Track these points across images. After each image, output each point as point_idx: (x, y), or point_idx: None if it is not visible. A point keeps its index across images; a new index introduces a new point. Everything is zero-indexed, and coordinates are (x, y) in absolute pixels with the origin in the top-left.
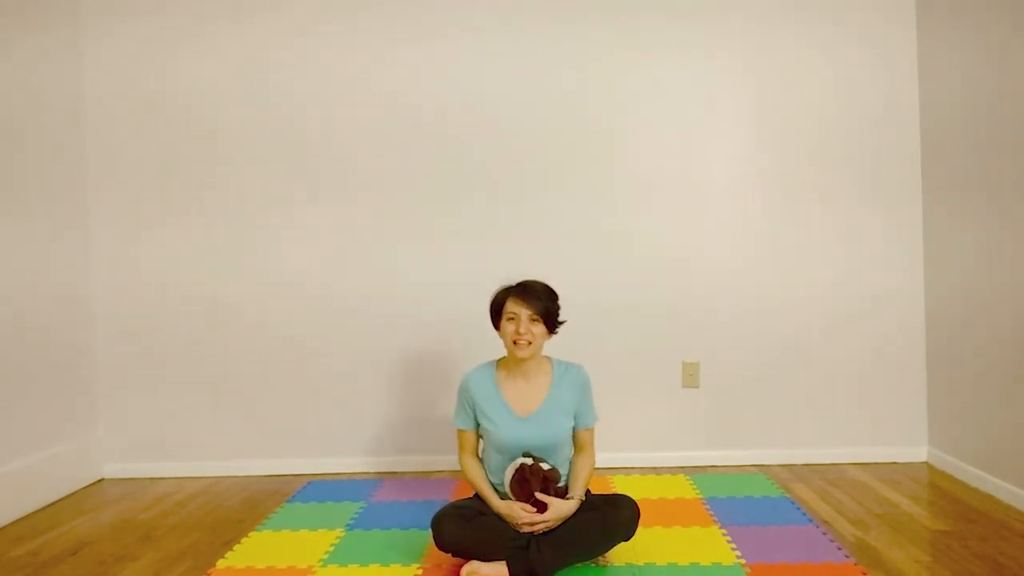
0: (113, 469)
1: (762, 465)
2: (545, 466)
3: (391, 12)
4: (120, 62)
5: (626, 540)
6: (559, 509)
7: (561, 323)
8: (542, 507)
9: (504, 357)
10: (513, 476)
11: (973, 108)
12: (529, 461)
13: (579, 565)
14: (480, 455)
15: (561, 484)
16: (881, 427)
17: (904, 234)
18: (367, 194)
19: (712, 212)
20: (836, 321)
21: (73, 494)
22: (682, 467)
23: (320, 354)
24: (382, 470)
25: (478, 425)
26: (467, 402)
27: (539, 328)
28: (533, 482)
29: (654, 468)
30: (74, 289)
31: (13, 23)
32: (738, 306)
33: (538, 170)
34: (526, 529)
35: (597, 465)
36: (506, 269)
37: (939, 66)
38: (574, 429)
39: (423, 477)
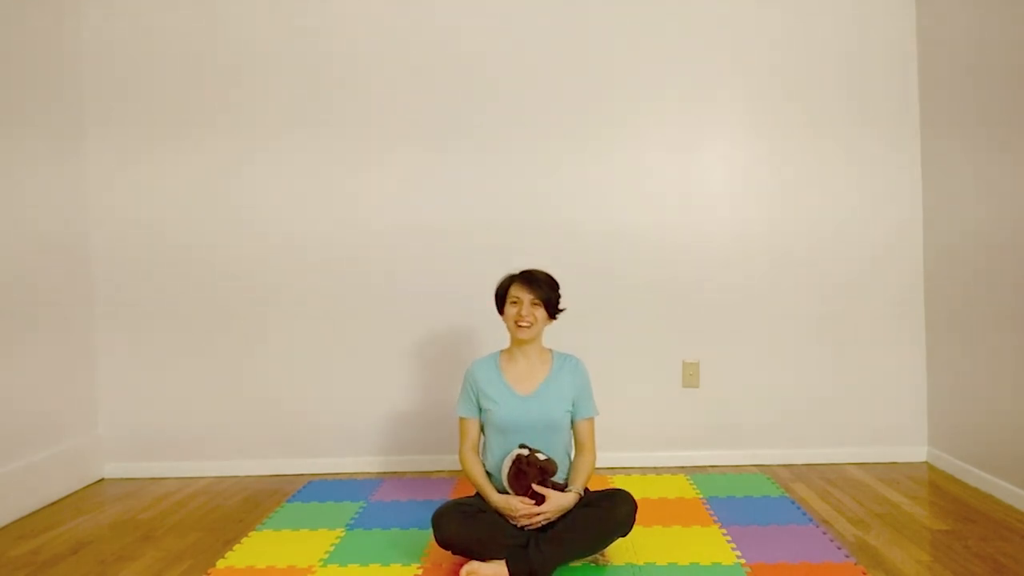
0: (113, 469)
1: (762, 465)
2: (541, 456)
3: None
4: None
5: (624, 535)
6: (558, 501)
7: (561, 311)
8: (540, 499)
9: (507, 348)
10: (510, 469)
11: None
12: (525, 452)
13: (579, 564)
14: (481, 449)
15: (560, 480)
16: (881, 427)
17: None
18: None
19: (712, 211)
20: (837, 316)
21: (73, 494)
22: (682, 467)
23: (320, 354)
24: (382, 470)
25: (481, 412)
26: (471, 388)
27: (540, 312)
28: (530, 473)
29: (654, 468)
30: (74, 280)
31: None
32: (738, 306)
33: (538, 162)
34: (524, 522)
35: (597, 465)
36: (505, 269)
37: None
38: (573, 421)
39: (423, 477)
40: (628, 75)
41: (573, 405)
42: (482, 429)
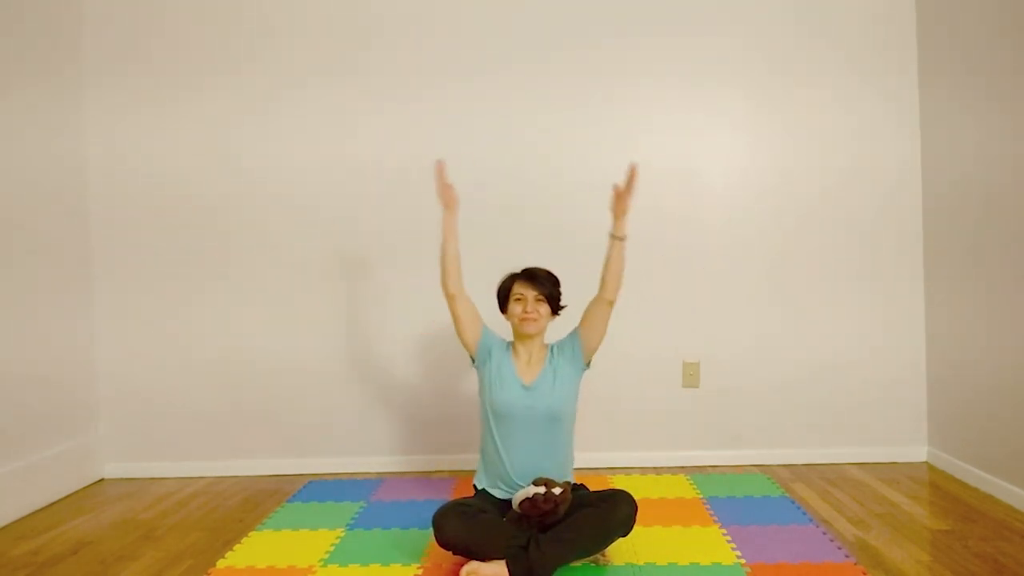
0: (113, 469)
1: (762, 465)
2: (557, 491)
3: None
4: None
5: (624, 536)
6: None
7: (563, 307)
8: (546, 514)
9: (511, 341)
10: (523, 503)
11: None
12: (542, 490)
13: (579, 564)
14: (481, 446)
15: (561, 486)
16: (881, 427)
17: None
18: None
19: (712, 211)
20: (837, 317)
21: (73, 494)
22: (682, 467)
23: (320, 354)
24: (382, 470)
25: (478, 355)
26: (492, 340)
27: (544, 308)
28: (544, 509)
29: (654, 468)
30: (78, 310)
31: None
32: (739, 306)
33: (538, 164)
34: None
35: (596, 464)
36: (508, 269)
37: None
38: (596, 307)
39: (423, 477)
40: (624, 55)
41: (584, 330)
42: (484, 414)
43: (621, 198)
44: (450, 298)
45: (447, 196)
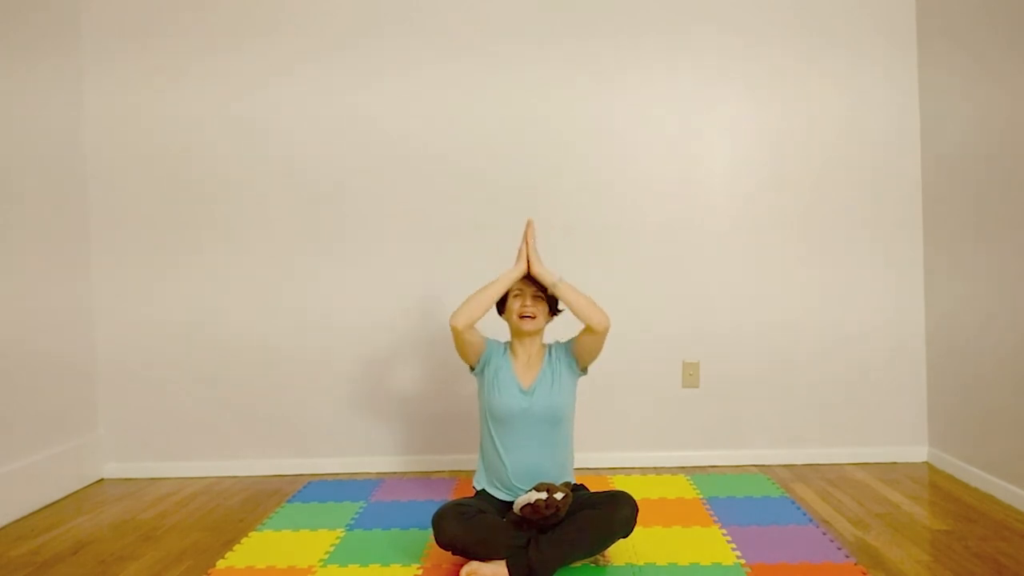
0: (113, 469)
1: (762, 465)
2: (559, 496)
3: None
4: None
5: (625, 537)
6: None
7: (561, 310)
8: (547, 519)
9: (509, 341)
10: (524, 508)
11: None
12: (544, 496)
13: (578, 565)
14: (480, 449)
15: (562, 490)
16: (881, 427)
17: (906, 249)
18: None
19: (712, 211)
20: (838, 317)
21: (73, 494)
22: (682, 467)
23: (320, 354)
24: (382, 470)
25: (477, 366)
26: (492, 350)
27: (543, 306)
28: (547, 513)
29: (654, 468)
30: (76, 308)
31: None
32: (739, 306)
33: (535, 162)
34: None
35: (596, 464)
36: (505, 259)
37: None
38: (586, 335)
39: (423, 477)
40: (625, 98)
41: (577, 348)
42: (483, 417)
43: (523, 253)
44: (456, 332)
45: (525, 257)
